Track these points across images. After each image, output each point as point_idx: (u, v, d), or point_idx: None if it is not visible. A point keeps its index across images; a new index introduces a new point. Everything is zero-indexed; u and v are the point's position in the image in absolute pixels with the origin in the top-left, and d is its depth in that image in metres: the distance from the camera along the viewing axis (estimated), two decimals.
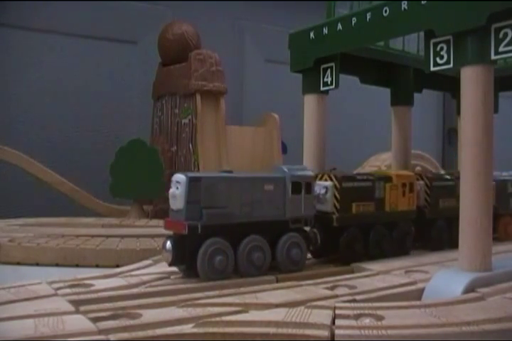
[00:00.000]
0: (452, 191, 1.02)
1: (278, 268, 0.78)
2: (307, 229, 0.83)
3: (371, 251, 0.89)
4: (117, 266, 0.88)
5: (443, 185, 1.02)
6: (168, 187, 0.73)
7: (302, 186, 0.80)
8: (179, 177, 0.71)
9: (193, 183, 0.70)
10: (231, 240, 0.73)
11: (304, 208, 0.81)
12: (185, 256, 0.70)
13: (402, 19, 0.80)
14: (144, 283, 0.70)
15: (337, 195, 0.85)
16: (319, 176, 0.87)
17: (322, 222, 0.86)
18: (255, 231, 0.75)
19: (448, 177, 1.04)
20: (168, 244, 0.70)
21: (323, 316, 0.55)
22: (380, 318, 0.55)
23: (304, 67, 0.98)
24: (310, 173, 0.82)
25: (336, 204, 0.85)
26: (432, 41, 0.77)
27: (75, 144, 1.63)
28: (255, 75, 1.98)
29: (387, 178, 0.93)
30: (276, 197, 0.78)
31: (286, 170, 0.80)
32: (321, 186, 0.85)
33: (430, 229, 1.00)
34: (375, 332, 0.51)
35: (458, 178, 0.99)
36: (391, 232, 0.92)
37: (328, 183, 0.86)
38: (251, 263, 0.74)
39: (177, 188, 0.71)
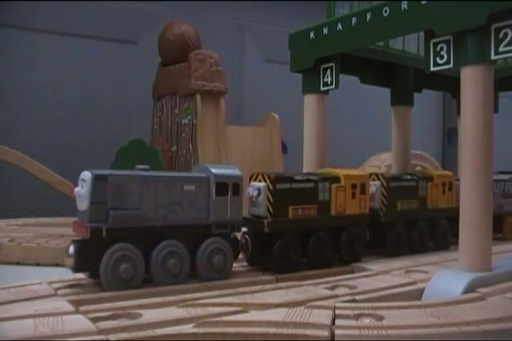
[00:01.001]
0: (413, 192, 0.97)
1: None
2: (239, 234, 0.78)
3: (311, 260, 0.81)
4: None
5: (402, 186, 0.95)
6: None
7: (229, 187, 0.73)
8: (85, 174, 0.65)
9: (98, 181, 0.64)
10: (143, 245, 0.66)
11: (230, 211, 0.74)
12: (89, 262, 0.64)
13: (402, 19, 0.80)
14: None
15: (270, 198, 0.77)
16: (253, 176, 0.79)
17: (254, 227, 0.78)
18: (173, 236, 0.69)
19: (408, 177, 0.97)
20: (71, 248, 0.64)
21: (323, 316, 0.55)
22: (380, 318, 0.55)
23: (304, 67, 0.98)
24: (238, 173, 0.75)
25: (270, 207, 0.77)
26: (432, 41, 0.77)
27: (75, 144, 1.63)
28: (255, 75, 1.98)
29: (334, 179, 0.85)
30: (198, 198, 0.71)
31: (210, 169, 0.74)
32: (253, 187, 0.78)
33: (386, 234, 0.92)
34: (375, 332, 0.51)
35: (422, 178, 0.98)
36: (337, 238, 0.84)
37: (261, 184, 0.77)
38: (165, 270, 0.68)
39: (82, 187, 0.65)
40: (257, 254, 0.79)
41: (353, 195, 0.86)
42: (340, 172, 0.87)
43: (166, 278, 0.68)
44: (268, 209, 0.77)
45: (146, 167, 0.71)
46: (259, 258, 0.79)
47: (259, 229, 0.76)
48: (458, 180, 1.05)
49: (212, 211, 0.72)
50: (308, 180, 0.81)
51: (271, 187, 0.77)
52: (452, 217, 0.99)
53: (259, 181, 0.78)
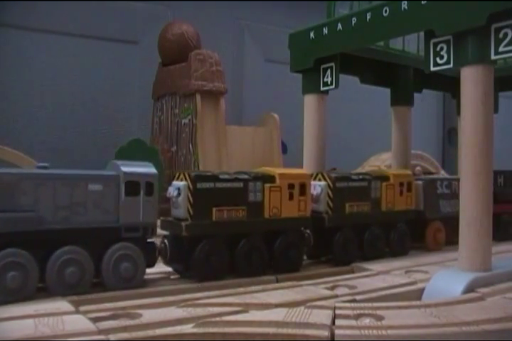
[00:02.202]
0: (364, 193, 0.89)
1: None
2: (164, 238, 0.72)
3: (239, 268, 0.74)
4: None
5: (351, 187, 0.87)
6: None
7: (141, 186, 0.67)
8: None
9: None
10: (38, 252, 0.60)
11: (143, 213, 0.67)
12: None
13: (402, 19, 0.80)
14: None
15: (190, 198, 0.71)
16: (176, 175, 0.74)
17: (173, 231, 0.72)
18: (75, 241, 0.63)
19: (358, 176, 0.90)
20: None
21: (323, 316, 0.55)
22: (380, 318, 0.55)
23: (304, 67, 0.98)
24: (152, 171, 0.69)
25: (190, 209, 0.71)
26: (432, 41, 0.77)
27: (75, 144, 1.63)
28: (255, 75, 1.98)
29: (268, 178, 0.78)
30: (105, 199, 0.65)
31: (120, 166, 0.67)
32: (173, 187, 0.72)
33: (332, 239, 0.84)
34: (375, 332, 0.51)
35: (375, 178, 0.91)
36: (272, 244, 0.77)
37: (182, 183, 0.71)
38: (62, 280, 0.62)
39: None
40: (175, 260, 0.72)
41: (291, 196, 0.79)
42: (275, 170, 0.80)
43: (62, 288, 0.61)
44: (188, 211, 0.70)
45: (45, 165, 0.66)
46: (178, 265, 0.73)
47: (178, 233, 0.70)
48: (419, 179, 1.00)
49: (122, 213, 0.66)
50: (237, 179, 0.75)
51: (191, 186, 0.70)
52: (412, 221, 0.96)
53: (181, 180, 0.72)
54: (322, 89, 0.97)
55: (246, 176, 0.76)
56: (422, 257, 0.93)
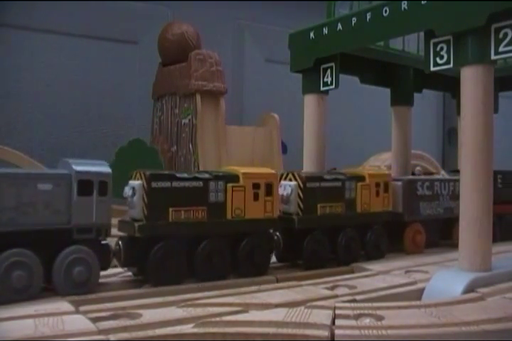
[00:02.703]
0: (338, 194, 0.86)
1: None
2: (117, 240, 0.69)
3: (199, 272, 0.71)
4: None
5: (323, 187, 0.84)
6: None
7: (94, 186, 0.65)
8: None
9: None
10: None
11: (96, 214, 0.64)
12: None
13: (402, 19, 0.80)
14: None
15: (145, 198, 0.68)
16: (133, 174, 0.71)
17: (127, 232, 0.70)
18: (23, 244, 0.60)
19: (331, 176, 0.86)
20: None
21: (323, 316, 0.55)
22: (380, 318, 0.55)
23: (303, 67, 0.98)
24: (106, 170, 0.66)
25: (145, 209, 0.68)
26: (432, 41, 0.77)
27: (74, 144, 1.63)
28: (255, 75, 1.98)
29: (231, 177, 0.75)
30: (56, 199, 0.62)
31: (72, 164, 0.65)
32: (129, 186, 0.69)
33: (302, 243, 0.81)
34: (375, 332, 0.51)
35: (349, 178, 0.87)
36: (236, 247, 0.74)
37: (137, 183, 0.69)
38: (8, 284, 0.59)
39: None
40: (130, 263, 0.69)
41: (256, 197, 0.75)
42: (238, 169, 0.76)
43: (8, 293, 0.58)
44: (143, 211, 0.68)
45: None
46: (133, 268, 0.70)
47: (132, 234, 0.67)
48: (396, 180, 0.97)
49: (74, 213, 0.63)
50: (196, 179, 0.72)
51: (146, 185, 0.68)
52: (391, 223, 0.93)
53: (137, 179, 0.70)
54: (322, 89, 0.97)
55: (206, 175, 0.73)
56: (422, 257, 0.93)
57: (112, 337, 0.50)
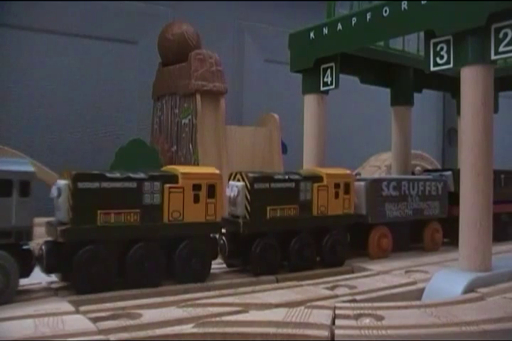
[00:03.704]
0: (291, 196, 0.79)
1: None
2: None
3: (129, 277, 0.66)
4: None
5: (274, 188, 0.78)
6: None
7: (14, 186, 0.59)
8: None
9: None
10: None
11: (15, 216, 0.59)
12: None
13: (402, 19, 0.80)
14: None
15: (71, 200, 0.63)
16: (62, 174, 0.66)
17: (52, 235, 0.65)
18: None
19: (284, 177, 0.80)
20: None
21: (323, 316, 0.55)
22: (380, 318, 0.55)
23: (303, 67, 0.98)
24: (27, 168, 0.61)
25: (70, 212, 0.63)
26: (432, 41, 0.77)
27: (75, 144, 1.63)
28: (255, 75, 1.98)
29: (168, 178, 0.70)
30: None
31: None
32: (55, 187, 0.64)
33: (249, 248, 0.76)
34: (375, 332, 0.51)
35: (305, 179, 0.81)
36: (172, 252, 0.69)
37: (62, 183, 0.64)
38: None
39: None
40: (54, 269, 0.64)
41: (196, 199, 0.70)
42: (178, 169, 0.71)
43: None
44: (68, 214, 0.63)
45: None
46: (57, 274, 0.66)
47: (55, 238, 0.63)
48: (359, 180, 0.92)
49: None
50: (128, 179, 0.66)
51: (71, 186, 0.63)
52: (354, 226, 0.88)
53: (64, 179, 0.64)
54: (322, 89, 0.97)
55: (141, 175, 0.68)
56: (422, 257, 0.93)
57: (112, 337, 0.50)
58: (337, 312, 0.56)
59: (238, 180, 0.77)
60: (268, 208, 0.77)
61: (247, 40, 1.99)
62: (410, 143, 1.14)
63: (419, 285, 0.71)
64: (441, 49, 0.76)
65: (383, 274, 0.79)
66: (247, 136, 1.50)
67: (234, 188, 0.76)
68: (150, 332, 0.51)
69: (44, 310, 0.55)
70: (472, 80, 0.72)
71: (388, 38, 0.96)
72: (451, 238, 1.04)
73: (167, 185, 0.69)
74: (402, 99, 1.13)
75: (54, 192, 0.64)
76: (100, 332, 0.50)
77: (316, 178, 0.83)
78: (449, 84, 1.17)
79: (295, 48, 1.00)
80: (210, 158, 1.39)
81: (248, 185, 0.76)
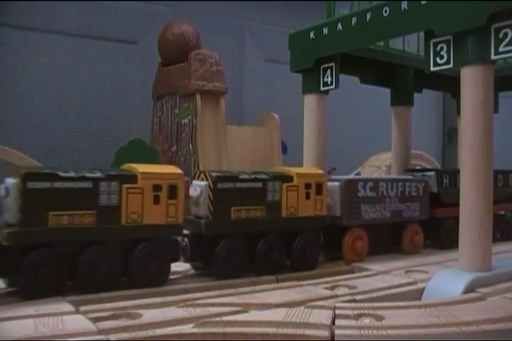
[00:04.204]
0: (257, 196, 0.76)
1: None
2: None
3: (81, 282, 0.63)
4: None
5: (239, 188, 0.74)
6: None
7: None
8: None
9: None
10: None
11: None
12: None
13: (402, 19, 0.80)
14: None
15: (19, 200, 0.60)
16: (14, 173, 0.63)
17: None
18: None
19: (250, 176, 0.76)
20: None
21: (323, 316, 0.55)
22: (380, 318, 0.55)
23: (303, 67, 0.98)
24: None
25: (19, 213, 0.60)
26: (432, 41, 0.77)
27: (74, 144, 1.63)
28: (255, 75, 1.98)
29: (127, 178, 0.66)
30: None
31: None
32: (3, 186, 0.61)
33: (212, 251, 0.72)
34: (375, 332, 0.51)
35: (273, 178, 0.78)
36: (130, 255, 0.66)
37: (11, 182, 0.60)
38: None
39: None
40: (1, 273, 0.62)
41: (157, 200, 0.67)
42: (137, 169, 0.68)
43: None
44: (17, 215, 0.60)
45: None
46: (5, 279, 0.63)
47: (1, 241, 0.59)
48: (334, 180, 0.88)
49: None
50: (83, 178, 0.63)
51: (20, 186, 0.59)
52: (329, 228, 0.85)
53: (13, 178, 0.61)
54: (322, 89, 0.97)
55: (97, 175, 0.64)
56: (422, 257, 0.93)
57: (112, 337, 0.50)
58: (337, 312, 0.56)
59: (202, 180, 0.74)
60: (232, 209, 0.74)
61: (247, 40, 1.99)
62: (410, 143, 1.14)
63: (419, 285, 0.71)
64: (441, 49, 0.76)
65: (383, 274, 0.79)
66: (247, 136, 1.50)
67: (197, 188, 0.73)
68: (150, 332, 0.51)
69: (44, 310, 0.55)
70: (472, 80, 0.72)
71: (388, 38, 0.96)
72: (433, 240, 1.03)
73: (125, 185, 0.65)
74: (402, 99, 1.13)
75: (1, 191, 0.60)
76: (100, 332, 0.50)
77: (286, 178, 0.80)
78: (449, 84, 1.17)
79: (295, 48, 1.00)
80: (210, 158, 1.39)
81: (211, 184, 0.73)
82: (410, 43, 1.06)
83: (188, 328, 0.53)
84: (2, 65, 1.53)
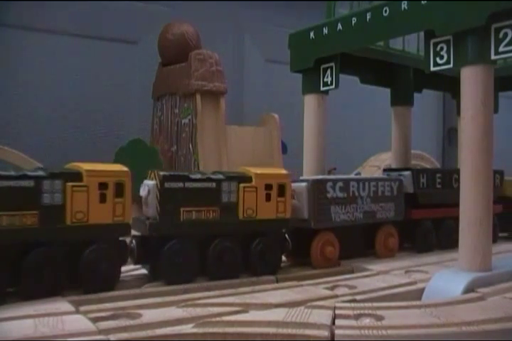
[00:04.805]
0: (211, 197, 0.72)
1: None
2: None
3: (24, 287, 0.60)
4: None
5: (190, 188, 0.71)
6: None
7: None
8: None
9: None
10: None
11: None
12: None
13: (402, 19, 0.80)
14: None
15: None
16: None
17: None
18: None
19: (203, 176, 0.73)
20: None
21: (323, 316, 0.55)
22: (380, 318, 0.55)
23: (303, 67, 0.98)
24: None
25: None
26: (432, 41, 0.77)
27: (74, 144, 1.63)
28: (255, 75, 1.98)
29: (72, 176, 0.63)
30: None
31: None
32: None
33: (157, 253, 0.69)
34: (375, 332, 0.51)
35: (229, 178, 0.74)
36: (76, 257, 0.63)
37: None
38: None
39: None
40: None
41: (103, 198, 0.64)
42: (82, 166, 0.65)
43: None
44: None
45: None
46: None
47: None
48: (300, 181, 0.83)
49: None
50: (25, 177, 0.60)
51: None
52: (298, 232, 0.82)
53: None
54: (322, 89, 0.97)
55: (40, 173, 0.61)
56: (422, 257, 0.93)
57: (112, 337, 0.50)
58: (337, 312, 0.56)
59: (151, 179, 0.71)
60: (182, 209, 0.70)
61: (247, 40, 1.99)
62: (410, 143, 1.14)
63: (419, 285, 0.71)
64: (441, 49, 0.76)
65: (383, 274, 0.79)
66: (247, 136, 1.50)
67: (145, 187, 0.71)
68: (150, 332, 0.51)
69: (44, 310, 0.55)
70: (472, 80, 0.72)
71: (388, 38, 0.96)
72: (411, 243, 0.99)
73: (70, 184, 0.62)
74: (402, 99, 1.13)
75: None
76: (100, 332, 0.50)
77: (243, 178, 0.76)
78: (449, 84, 1.17)
79: (295, 48, 1.00)
80: (210, 158, 1.39)
81: (158, 183, 0.69)
82: (410, 43, 1.06)
83: (188, 328, 0.53)
84: (2, 64, 1.53)
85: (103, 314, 0.55)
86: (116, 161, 1.38)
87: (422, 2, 0.77)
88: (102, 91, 1.68)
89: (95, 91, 1.67)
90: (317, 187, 0.82)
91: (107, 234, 0.65)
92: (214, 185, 0.73)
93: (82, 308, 0.57)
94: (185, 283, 0.69)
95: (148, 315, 0.55)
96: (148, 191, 0.70)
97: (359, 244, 0.92)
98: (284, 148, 1.57)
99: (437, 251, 0.99)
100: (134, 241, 0.71)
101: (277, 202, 0.78)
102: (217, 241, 0.73)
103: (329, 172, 1.38)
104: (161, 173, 0.70)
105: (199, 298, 0.62)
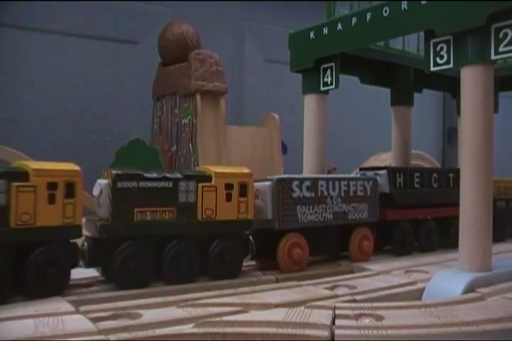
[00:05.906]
0: (167, 197, 0.69)
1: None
2: None
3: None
4: None
5: (145, 188, 0.68)
6: None
7: None
8: None
9: None
10: None
11: None
12: None
13: (402, 19, 0.80)
14: None
15: None
16: None
17: None
18: None
19: (160, 175, 0.70)
20: None
21: (323, 316, 0.55)
22: (380, 318, 0.55)
23: (303, 67, 0.98)
24: None
25: None
26: (432, 41, 0.77)
27: (74, 144, 1.63)
28: (255, 75, 1.98)
29: (17, 175, 0.60)
30: None
31: None
32: None
33: (110, 256, 0.66)
34: (375, 332, 0.51)
35: (186, 178, 0.71)
36: (24, 261, 0.60)
37: None
38: None
39: None
40: None
41: (51, 199, 0.61)
42: (29, 165, 0.62)
43: None
44: None
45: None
46: None
47: None
48: (264, 180, 0.79)
49: None
50: None
51: None
52: (263, 234, 0.79)
53: None
54: (322, 89, 0.97)
55: None
56: (422, 257, 0.93)
57: (111, 337, 0.50)
58: (337, 312, 0.56)
59: (104, 178, 0.68)
60: (136, 210, 0.67)
61: (247, 40, 1.99)
62: (410, 143, 1.14)
63: (419, 285, 0.71)
64: (441, 49, 0.76)
65: (383, 274, 0.79)
66: (247, 136, 1.50)
67: (98, 187, 0.68)
68: (150, 332, 0.51)
69: (44, 310, 0.55)
70: (472, 80, 0.72)
71: (388, 38, 0.96)
72: (387, 245, 0.95)
73: (15, 184, 0.59)
74: (402, 99, 1.13)
75: None
76: (100, 332, 0.50)
77: (202, 177, 0.72)
78: (449, 84, 1.17)
79: (295, 48, 1.00)
80: (210, 158, 1.39)
81: (111, 183, 0.66)
82: (410, 43, 1.06)
83: (188, 328, 0.53)
84: (2, 64, 1.53)
85: (103, 314, 0.55)
86: (116, 161, 1.38)
87: (422, 2, 0.77)
88: (102, 91, 1.68)
89: (95, 91, 1.67)
90: (282, 187, 0.79)
91: (56, 236, 0.62)
92: (170, 184, 0.70)
93: (82, 308, 0.57)
94: (137, 287, 0.66)
95: (149, 315, 0.55)
96: (101, 191, 0.67)
97: (332, 246, 0.88)
98: (284, 148, 1.57)
99: (437, 251, 0.99)
100: (85, 243, 0.68)
101: (239, 202, 0.74)
102: (174, 243, 0.70)
103: (329, 172, 1.38)
104: (114, 172, 0.67)
105: (199, 298, 0.62)
